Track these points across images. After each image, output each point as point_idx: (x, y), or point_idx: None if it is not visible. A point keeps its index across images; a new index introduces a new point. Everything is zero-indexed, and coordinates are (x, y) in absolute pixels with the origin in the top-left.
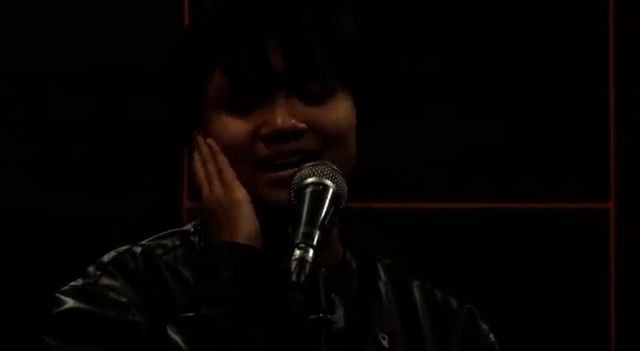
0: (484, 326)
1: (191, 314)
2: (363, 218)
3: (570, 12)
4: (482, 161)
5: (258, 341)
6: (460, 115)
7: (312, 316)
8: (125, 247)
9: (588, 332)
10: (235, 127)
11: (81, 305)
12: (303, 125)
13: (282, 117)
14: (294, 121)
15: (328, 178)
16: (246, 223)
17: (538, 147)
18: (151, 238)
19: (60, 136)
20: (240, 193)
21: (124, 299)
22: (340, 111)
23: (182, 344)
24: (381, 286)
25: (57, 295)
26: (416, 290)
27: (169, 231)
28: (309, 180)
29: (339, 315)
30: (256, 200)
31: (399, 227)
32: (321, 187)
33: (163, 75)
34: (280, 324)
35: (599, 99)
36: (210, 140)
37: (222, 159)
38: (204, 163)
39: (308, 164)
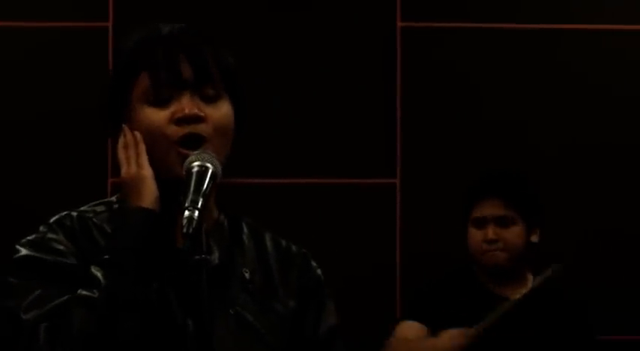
0: (314, 264)
1: (107, 257)
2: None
3: (361, 20)
4: (286, 142)
5: (157, 276)
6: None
7: (197, 257)
8: (66, 212)
9: (376, 298)
10: (156, 115)
11: (31, 252)
12: (202, 113)
13: (189, 107)
14: (196, 110)
15: (208, 162)
16: (148, 193)
17: (337, 130)
18: (85, 206)
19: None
20: (147, 172)
21: (62, 248)
22: (225, 110)
23: (101, 278)
24: (244, 238)
25: (16, 245)
26: (268, 239)
27: (99, 201)
28: (195, 163)
29: (214, 256)
30: (165, 177)
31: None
32: (203, 168)
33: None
34: (174, 263)
35: (386, 85)
36: (136, 132)
37: (142, 147)
38: (126, 148)
39: (195, 152)
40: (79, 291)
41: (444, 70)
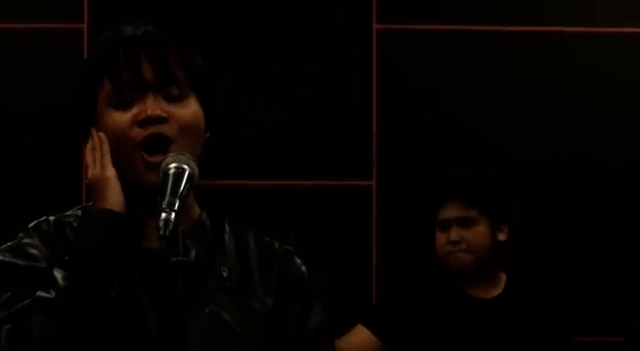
0: (298, 260)
1: (66, 258)
2: (211, 193)
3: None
4: (267, 145)
5: (120, 277)
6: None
7: (174, 259)
8: (44, 217)
9: (352, 300)
10: (119, 118)
11: (6, 258)
12: (165, 114)
13: (151, 108)
14: (159, 110)
15: (185, 164)
16: (111, 194)
17: (313, 132)
18: (70, 211)
19: None
20: (110, 172)
21: (36, 252)
22: (191, 109)
23: (60, 280)
24: (226, 237)
25: None
26: (251, 238)
27: (82, 205)
28: (172, 165)
29: (191, 256)
30: (131, 180)
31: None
32: (180, 169)
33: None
34: (144, 263)
35: (362, 87)
36: (101, 133)
37: (105, 148)
38: (93, 150)
39: (171, 153)
40: (38, 293)
41: (419, 73)
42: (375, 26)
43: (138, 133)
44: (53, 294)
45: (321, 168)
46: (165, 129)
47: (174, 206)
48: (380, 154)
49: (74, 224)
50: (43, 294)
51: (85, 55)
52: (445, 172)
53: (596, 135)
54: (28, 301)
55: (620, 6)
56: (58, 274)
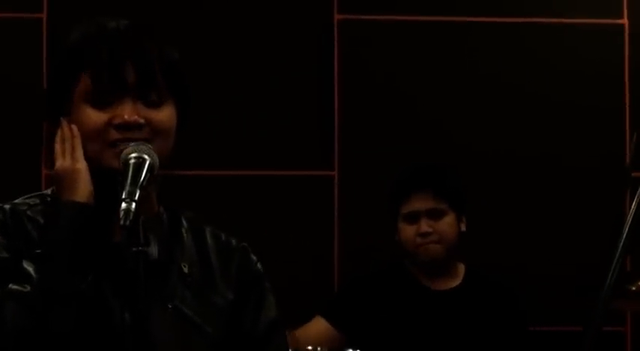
0: (254, 258)
1: (39, 251)
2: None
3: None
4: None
5: (92, 269)
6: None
7: (134, 249)
8: None
9: (314, 291)
10: (96, 117)
11: None
12: (142, 121)
13: (129, 113)
14: (136, 116)
15: (146, 154)
16: (82, 187)
17: (276, 122)
18: (19, 199)
19: None
20: (82, 165)
21: None
22: (167, 113)
23: (32, 273)
24: (184, 231)
25: None
26: (208, 234)
27: (33, 194)
28: (132, 155)
29: (153, 250)
30: (98, 170)
31: None
32: (140, 159)
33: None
34: (111, 256)
35: (324, 77)
36: (73, 126)
37: (77, 141)
38: (63, 141)
39: (132, 144)
40: (9, 285)
41: (380, 63)
42: (337, 17)
43: (113, 134)
44: (27, 287)
45: (284, 158)
46: (139, 135)
47: (135, 196)
48: (342, 145)
49: (29, 213)
50: (15, 287)
51: (45, 46)
52: (407, 162)
53: (548, 125)
54: None
55: None
56: (29, 267)
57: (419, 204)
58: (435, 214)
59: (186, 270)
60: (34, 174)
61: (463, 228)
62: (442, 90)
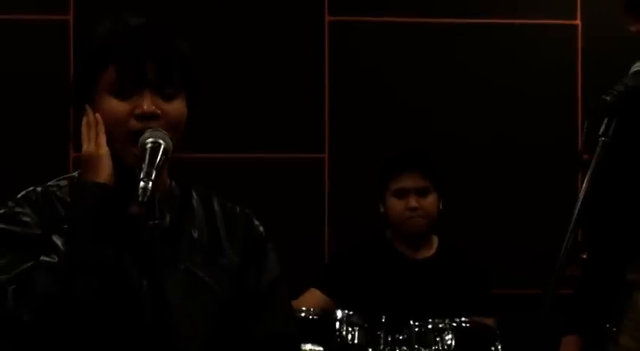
0: (256, 222)
1: (65, 226)
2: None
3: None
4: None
5: (112, 242)
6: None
7: (151, 222)
8: (31, 188)
9: (305, 270)
10: (118, 106)
11: (2, 226)
12: (159, 112)
13: (148, 105)
14: (154, 108)
15: (161, 139)
16: (104, 170)
17: (269, 109)
18: (52, 181)
19: None
20: (104, 150)
21: (28, 219)
22: (179, 106)
23: (60, 245)
24: (194, 202)
25: None
26: (215, 203)
27: (63, 176)
28: (149, 139)
29: (166, 220)
30: (119, 156)
31: None
32: (156, 144)
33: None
34: (129, 229)
35: (316, 72)
36: (97, 114)
37: (101, 127)
38: (88, 127)
39: (149, 130)
40: (41, 257)
41: (369, 59)
42: (327, 17)
43: (133, 124)
44: (55, 258)
45: (278, 142)
46: (156, 124)
47: (152, 176)
48: (332, 130)
49: (58, 194)
50: (45, 258)
51: (71, 47)
52: (392, 146)
53: (512, 115)
54: (29, 264)
55: (537, 0)
56: (57, 241)
57: (409, 182)
58: (421, 192)
59: (196, 236)
60: (62, 158)
61: (441, 206)
62: (423, 83)
